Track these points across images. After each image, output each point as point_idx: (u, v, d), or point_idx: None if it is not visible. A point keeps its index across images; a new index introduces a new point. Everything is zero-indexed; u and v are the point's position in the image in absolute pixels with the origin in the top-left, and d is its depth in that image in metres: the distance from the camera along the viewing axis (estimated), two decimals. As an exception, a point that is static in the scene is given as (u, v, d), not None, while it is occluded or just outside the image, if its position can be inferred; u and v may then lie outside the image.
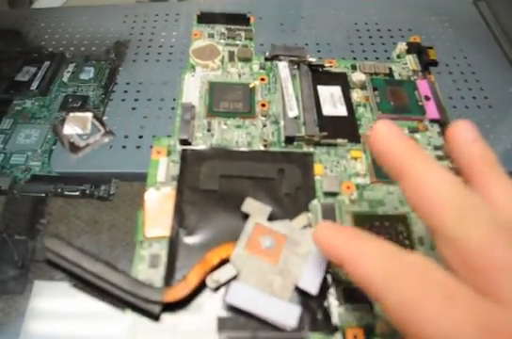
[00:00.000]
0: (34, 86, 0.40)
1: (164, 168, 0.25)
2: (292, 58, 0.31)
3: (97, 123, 0.34)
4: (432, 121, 0.29)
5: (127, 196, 0.35)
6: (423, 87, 0.30)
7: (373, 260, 0.17)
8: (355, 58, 0.45)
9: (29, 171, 0.35)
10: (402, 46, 0.33)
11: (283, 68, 0.30)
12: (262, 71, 0.31)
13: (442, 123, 0.29)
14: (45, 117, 0.38)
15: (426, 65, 0.32)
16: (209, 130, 0.27)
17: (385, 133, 0.18)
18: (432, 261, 0.16)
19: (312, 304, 0.21)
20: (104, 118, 0.38)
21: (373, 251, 0.17)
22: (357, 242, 0.18)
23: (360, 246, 0.18)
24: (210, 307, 0.21)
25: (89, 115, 0.33)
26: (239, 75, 0.31)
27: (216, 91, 0.29)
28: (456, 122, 0.19)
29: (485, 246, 0.15)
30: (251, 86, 0.30)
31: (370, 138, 0.19)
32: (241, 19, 0.33)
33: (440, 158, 0.27)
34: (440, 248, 0.16)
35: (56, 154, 0.35)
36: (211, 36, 0.33)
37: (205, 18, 0.33)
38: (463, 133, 0.19)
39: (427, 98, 0.30)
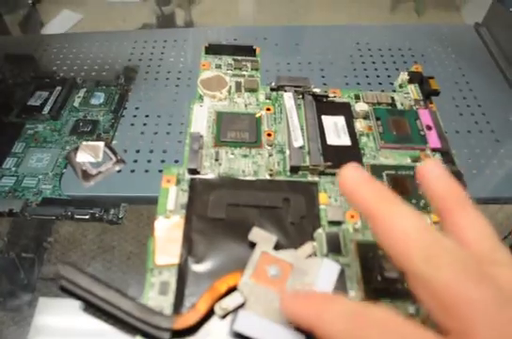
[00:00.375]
0: (46, 110, 0.41)
1: (173, 196, 0.26)
2: (296, 89, 0.32)
3: (109, 152, 0.35)
4: (434, 150, 0.30)
5: (136, 219, 0.36)
6: (424, 116, 0.31)
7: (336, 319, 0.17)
8: (358, 84, 0.46)
9: (40, 194, 0.35)
10: (404, 76, 0.34)
11: (288, 99, 0.31)
12: (267, 101, 0.32)
13: (444, 152, 0.30)
14: (56, 141, 0.39)
15: (428, 95, 0.33)
16: (217, 159, 0.28)
17: (351, 176, 0.19)
18: (396, 314, 0.16)
19: (316, 332, 0.22)
20: (114, 142, 0.39)
21: (337, 310, 0.18)
22: None
23: None
24: (218, 334, 0.22)
25: (101, 144, 0.35)
26: (245, 105, 0.32)
27: (223, 121, 0.30)
28: (425, 161, 0.20)
29: (453, 286, 0.15)
30: (257, 116, 0.31)
31: (339, 181, 0.20)
32: (247, 50, 0.34)
33: (441, 188, 0.28)
34: (412, 289, 0.17)
35: (66, 178, 0.36)
36: (218, 66, 0.34)
37: (213, 49, 0.35)
38: (430, 169, 0.20)
39: (429, 127, 0.30)
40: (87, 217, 0.35)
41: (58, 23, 0.67)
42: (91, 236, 0.35)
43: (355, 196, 0.19)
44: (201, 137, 0.29)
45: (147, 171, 0.37)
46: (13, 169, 0.37)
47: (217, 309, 0.22)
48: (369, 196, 0.19)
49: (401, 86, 0.34)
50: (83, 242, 0.34)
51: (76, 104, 0.42)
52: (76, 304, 0.24)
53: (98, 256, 0.32)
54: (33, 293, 0.29)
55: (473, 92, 0.46)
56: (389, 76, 0.47)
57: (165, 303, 0.23)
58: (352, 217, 0.26)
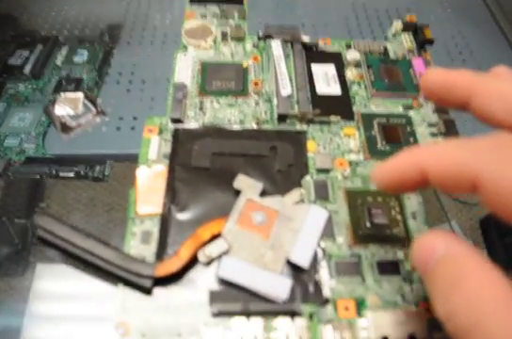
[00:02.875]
0: (27, 69, 0.40)
1: (155, 146, 0.25)
2: (285, 38, 0.30)
3: (88, 104, 0.33)
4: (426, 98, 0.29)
5: (122, 177, 0.35)
6: (418, 64, 0.30)
7: None
8: (352, 38, 0.45)
9: (23, 154, 0.34)
10: (398, 25, 0.33)
11: (276, 47, 0.30)
12: (255, 50, 0.31)
13: (437, 100, 0.28)
14: (39, 100, 0.38)
15: (422, 44, 0.32)
16: (201, 109, 0.27)
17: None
18: None
19: (303, 277, 0.21)
20: (99, 100, 0.37)
21: None
22: None
23: None
24: (202, 281, 0.21)
25: (80, 95, 0.33)
26: (232, 55, 0.30)
27: (208, 71, 0.29)
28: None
29: None
30: (244, 65, 0.30)
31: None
32: (234, -2, 0.33)
33: (434, 135, 0.27)
34: None
35: (50, 137, 0.35)
36: (203, 16, 0.33)
37: (198, -3, 0.33)
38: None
39: (422, 75, 0.29)
40: (71, 174, 0.34)
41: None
42: (82, 193, 0.34)
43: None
44: (185, 86, 0.28)
45: (133, 129, 0.36)
46: (-6, 128, 0.36)
47: (201, 256, 0.21)
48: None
49: (394, 35, 0.33)
50: (75, 207, 0.33)
51: (59, 62, 0.41)
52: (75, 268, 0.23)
53: (81, 211, 0.31)
54: (27, 258, 0.29)
55: (470, 47, 0.45)
56: (382, 28, 0.46)
57: (147, 252, 0.22)
58: (341, 164, 0.25)
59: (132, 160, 0.35)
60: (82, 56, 0.41)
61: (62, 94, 0.33)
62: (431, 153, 0.16)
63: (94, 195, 0.34)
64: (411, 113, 0.28)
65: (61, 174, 0.34)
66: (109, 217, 0.31)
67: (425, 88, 0.19)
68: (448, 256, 0.14)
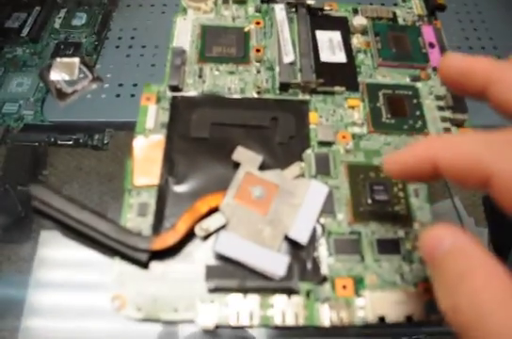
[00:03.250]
0: (24, 32, 0.39)
1: (153, 115, 0.25)
2: (289, 1, 0.29)
3: (85, 69, 0.32)
4: (435, 69, 0.27)
5: (121, 145, 0.34)
6: (427, 33, 0.29)
7: None
8: (359, 2, 0.43)
9: (22, 120, 0.34)
10: (408, -11, 0.31)
11: (280, 11, 0.28)
12: (257, 14, 0.29)
13: (446, 72, 0.27)
14: (37, 65, 0.37)
15: (433, 9, 0.30)
16: (200, 76, 0.26)
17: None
18: None
19: (301, 254, 0.21)
20: (98, 66, 0.36)
21: None
22: None
23: None
24: (198, 255, 0.21)
25: (76, 60, 0.32)
26: (233, 19, 0.29)
27: (208, 35, 0.28)
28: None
29: None
30: (246, 30, 0.28)
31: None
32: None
33: (441, 109, 0.26)
34: None
35: (48, 103, 0.34)
36: (205, -24, 0.31)
37: (199, -44, 0.31)
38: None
39: (432, 45, 0.28)
40: (70, 142, 0.33)
41: None
42: (81, 160, 0.33)
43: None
44: (184, 52, 0.27)
45: (133, 96, 0.35)
46: (-8, 94, 0.35)
47: (198, 230, 0.21)
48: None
49: (404, 0, 0.31)
50: (74, 176, 0.33)
51: (57, 25, 0.39)
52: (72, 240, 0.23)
53: (78, 181, 0.31)
54: (30, 226, 0.29)
55: (482, 15, 0.43)
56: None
57: (143, 225, 0.22)
58: (344, 137, 0.24)
59: (132, 128, 0.35)
60: (80, 19, 0.40)
61: (58, 59, 0.32)
62: (445, 146, 0.15)
63: (93, 164, 0.33)
64: (419, 85, 0.27)
65: (60, 142, 0.33)
66: (109, 187, 0.31)
67: (443, 74, 0.18)
68: (455, 249, 0.14)
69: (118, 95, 0.35)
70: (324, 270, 0.21)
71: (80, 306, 0.25)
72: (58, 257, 0.27)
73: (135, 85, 0.36)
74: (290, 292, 0.20)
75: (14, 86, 0.36)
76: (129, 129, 0.35)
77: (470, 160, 0.14)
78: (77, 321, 0.25)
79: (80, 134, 0.34)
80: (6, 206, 0.30)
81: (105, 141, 0.34)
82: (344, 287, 0.20)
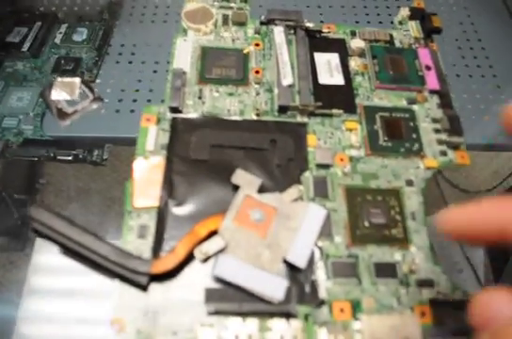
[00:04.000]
0: (25, 47, 0.39)
1: (153, 136, 0.25)
2: (288, 23, 0.29)
3: (85, 89, 0.33)
4: (432, 91, 0.28)
5: (120, 161, 0.35)
6: (424, 55, 0.29)
7: None
8: (357, 22, 0.43)
9: (21, 135, 0.34)
10: (405, 12, 0.32)
11: (279, 33, 0.29)
12: (256, 36, 0.30)
13: (442, 95, 0.28)
14: (37, 79, 0.37)
15: (429, 32, 0.31)
16: (200, 97, 0.27)
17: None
18: None
19: (299, 277, 0.21)
20: (98, 81, 0.37)
21: None
22: None
23: None
24: (198, 278, 0.21)
25: (77, 80, 0.32)
26: (233, 40, 0.29)
27: (208, 57, 0.28)
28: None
29: None
30: (245, 51, 0.29)
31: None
32: (236, -21, 0.32)
33: (437, 131, 0.26)
34: None
35: (48, 118, 0.34)
36: (205, -3, 0.31)
37: (199, -22, 0.32)
38: None
39: (428, 68, 0.29)
40: (69, 158, 0.33)
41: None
42: (80, 177, 0.33)
43: None
44: (184, 73, 0.27)
45: (132, 111, 0.35)
46: (-8, 108, 0.35)
47: (197, 253, 0.21)
48: None
49: (401, 22, 0.32)
50: (71, 183, 0.33)
51: (58, 40, 0.40)
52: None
53: (78, 199, 0.31)
54: (27, 234, 0.29)
55: (478, 34, 0.43)
56: (390, 15, 0.44)
57: (143, 247, 0.22)
58: (341, 160, 0.25)
59: (131, 144, 0.35)
60: (81, 34, 0.40)
61: (59, 78, 0.32)
62: None
63: (92, 180, 0.33)
64: (415, 107, 0.27)
65: (59, 157, 0.33)
66: (106, 204, 0.31)
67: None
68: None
69: (117, 111, 0.35)
70: (322, 294, 0.21)
71: (74, 314, 0.26)
72: (53, 265, 0.27)
73: (134, 100, 0.36)
74: (288, 315, 0.20)
75: (14, 100, 0.36)
76: (128, 145, 0.36)
77: None
78: (71, 329, 0.25)
79: (79, 149, 0.34)
80: (2, 214, 0.30)
81: (105, 157, 0.34)
82: (342, 310, 0.21)
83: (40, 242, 0.28)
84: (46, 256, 0.27)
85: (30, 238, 0.29)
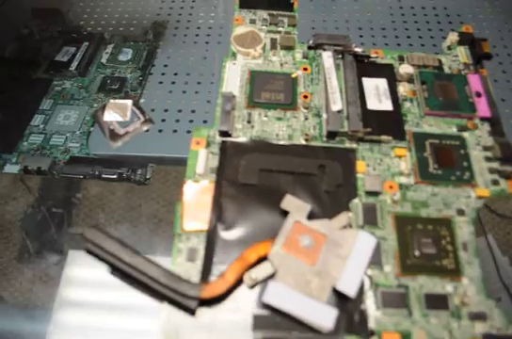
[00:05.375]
0: (73, 66, 0.40)
1: (203, 159, 0.25)
2: (336, 48, 0.30)
3: (136, 111, 0.34)
4: (483, 119, 0.28)
5: (163, 180, 0.35)
6: (474, 82, 0.29)
7: None
8: (399, 45, 0.43)
9: (68, 153, 0.35)
10: (453, 37, 0.31)
11: (327, 58, 0.29)
12: (304, 60, 0.30)
13: (493, 122, 0.27)
14: (84, 98, 0.38)
15: (479, 58, 0.30)
16: (249, 121, 0.27)
17: None
18: None
19: (349, 307, 0.21)
20: (142, 100, 0.37)
21: None
22: None
23: None
24: (246, 304, 0.21)
25: (129, 102, 0.33)
26: (281, 64, 0.30)
27: (257, 81, 0.29)
28: None
29: None
30: (294, 76, 0.29)
31: None
32: (284, 4, 0.32)
33: (488, 159, 0.26)
34: None
35: (93, 136, 0.35)
36: (252, 22, 0.32)
37: (247, 2, 0.32)
38: None
39: (478, 94, 0.28)
40: (114, 176, 0.34)
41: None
42: (119, 194, 0.34)
43: None
44: (234, 97, 0.27)
45: (175, 131, 0.36)
46: (41, 126, 0.36)
47: (247, 279, 0.21)
48: None
49: (449, 47, 0.32)
50: (111, 200, 0.34)
51: (104, 60, 0.41)
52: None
53: (124, 217, 0.31)
54: (62, 247, 0.30)
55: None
56: (432, 37, 0.44)
57: (192, 270, 0.22)
58: (391, 187, 0.24)
59: (174, 164, 0.35)
60: (126, 54, 0.41)
61: (112, 101, 0.33)
62: None
63: (134, 199, 0.34)
64: (466, 135, 0.27)
65: (104, 176, 0.34)
66: (148, 222, 0.32)
67: None
68: None
69: (160, 130, 0.36)
70: (371, 324, 0.21)
71: (106, 326, 0.26)
72: (85, 276, 0.27)
73: (177, 121, 0.37)
74: (337, 346, 0.20)
75: (62, 118, 0.37)
76: (171, 164, 0.36)
77: None
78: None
79: (124, 168, 0.34)
80: (40, 227, 0.31)
81: (148, 176, 0.35)
82: (392, 342, 0.20)
83: (72, 253, 0.28)
84: (78, 269, 0.28)
85: (65, 252, 0.29)
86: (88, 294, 0.27)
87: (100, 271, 0.26)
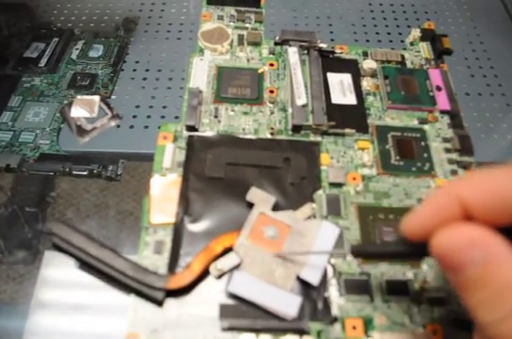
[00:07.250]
0: (42, 63, 0.40)
1: (170, 154, 0.25)
2: (302, 44, 0.30)
3: (104, 107, 0.34)
4: (442, 112, 0.28)
5: (134, 176, 0.35)
6: (435, 76, 0.30)
7: None
8: (368, 41, 0.44)
9: (38, 150, 0.35)
10: (416, 33, 0.32)
11: (293, 54, 0.29)
12: (271, 56, 0.31)
13: (453, 115, 0.28)
14: (54, 95, 0.38)
15: (440, 54, 0.31)
16: (216, 116, 0.27)
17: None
18: None
19: (312, 294, 0.22)
20: (113, 97, 0.37)
21: None
22: None
23: None
24: (212, 294, 0.22)
25: (97, 98, 0.33)
26: (248, 60, 0.30)
27: (224, 76, 0.29)
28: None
29: None
30: (260, 71, 0.29)
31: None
32: (251, 1, 0.33)
33: (448, 151, 0.27)
34: None
35: (64, 133, 0.35)
36: (220, 18, 0.32)
37: (215, -1, 0.33)
38: None
39: (439, 88, 0.29)
40: (85, 173, 0.34)
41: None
42: (94, 192, 0.34)
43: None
44: (201, 92, 0.28)
45: (146, 127, 0.36)
46: (10, 123, 0.36)
47: (213, 269, 0.22)
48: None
49: (412, 43, 0.32)
50: (85, 198, 0.34)
51: (74, 56, 0.41)
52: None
53: (94, 213, 0.31)
54: (37, 246, 0.29)
55: (487, 53, 0.44)
56: (400, 34, 0.45)
57: (159, 262, 0.22)
58: (354, 179, 0.25)
59: (145, 159, 0.35)
60: (97, 50, 0.41)
61: (79, 96, 0.33)
62: (470, 184, 0.15)
63: (105, 195, 0.34)
64: (426, 127, 0.28)
65: (74, 172, 0.34)
66: (117, 218, 0.32)
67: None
68: (491, 262, 0.13)
69: (131, 126, 0.36)
70: (334, 311, 0.21)
71: (83, 328, 0.26)
72: (61, 277, 0.27)
73: (148, 117, 0.37)
74: (301, 332, 0.21)
75: (31, 115, 0.37)
76: (142, 160, 0.36)
77: (500, 193, 0.14)
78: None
79: (94, 165, 0.34)
80: (13, 227, 0.31)
81: (119, 172, 0.35)
82: (354, 328, 0.21)
83: (48, 254, 0.28)
84: (54, 269, 0.28)
85: (40, 251, 0.29)
86: (65, 294, 0.27)
87: (77, 272, 0.26)
